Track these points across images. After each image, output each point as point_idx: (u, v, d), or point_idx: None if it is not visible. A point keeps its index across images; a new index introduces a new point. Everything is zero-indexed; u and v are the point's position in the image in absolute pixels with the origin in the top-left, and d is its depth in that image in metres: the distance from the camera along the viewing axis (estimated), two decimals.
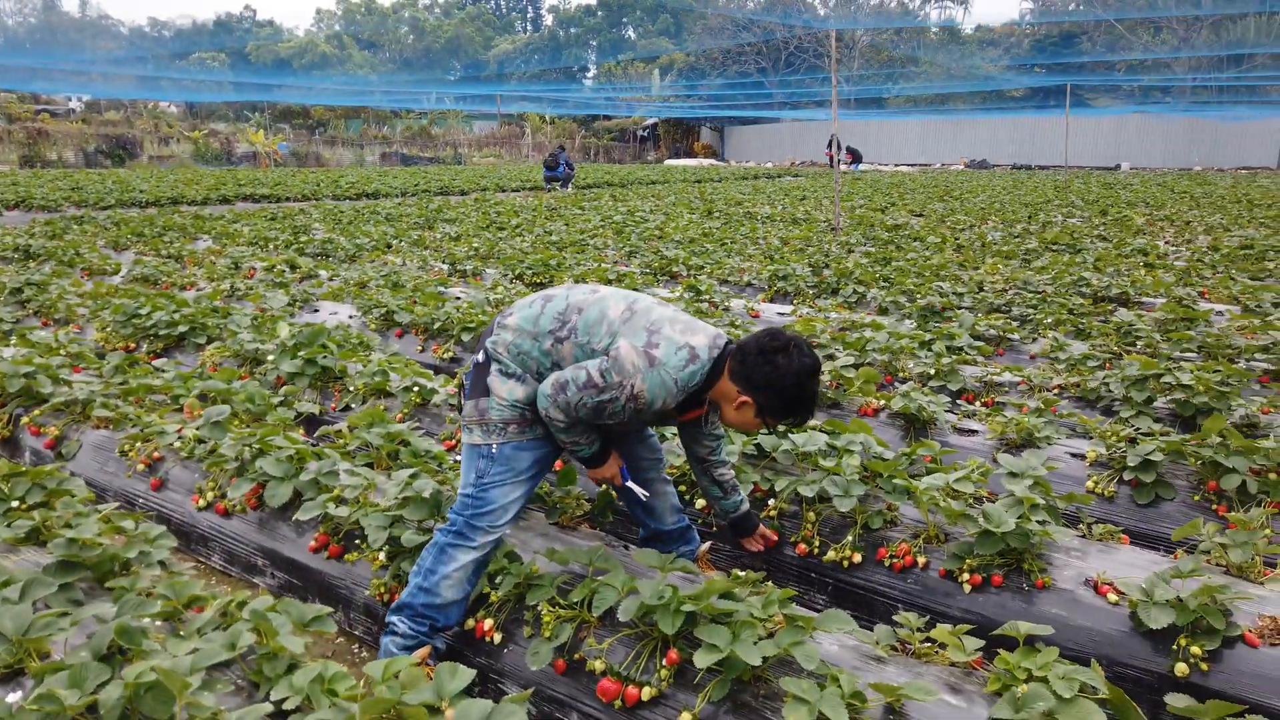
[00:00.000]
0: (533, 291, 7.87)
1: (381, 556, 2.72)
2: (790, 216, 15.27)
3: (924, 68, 49.07)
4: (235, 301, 7.16)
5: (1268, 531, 3.16)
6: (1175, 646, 2.43)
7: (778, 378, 2.42)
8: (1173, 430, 3.99)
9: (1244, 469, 3.31)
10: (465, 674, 1.92)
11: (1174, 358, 5.13)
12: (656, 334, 2.43)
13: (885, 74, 50.92)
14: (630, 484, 2.80)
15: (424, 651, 2.42)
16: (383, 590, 2.72)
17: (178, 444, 3.64)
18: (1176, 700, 1.91)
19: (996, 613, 2.72)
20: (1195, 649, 2.39)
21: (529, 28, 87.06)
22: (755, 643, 2.09)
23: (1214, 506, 3.33)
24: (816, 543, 3.12)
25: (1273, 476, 3.29)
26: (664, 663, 2.22)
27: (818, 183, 28.06)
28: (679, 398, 2.44)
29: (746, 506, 3.05)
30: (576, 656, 2.35)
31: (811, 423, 3.56)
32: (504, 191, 23.87)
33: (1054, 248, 10.55)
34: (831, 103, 12.09)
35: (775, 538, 3.12)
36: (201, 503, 3.40)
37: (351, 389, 4.47)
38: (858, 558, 3.02)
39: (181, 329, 5.65)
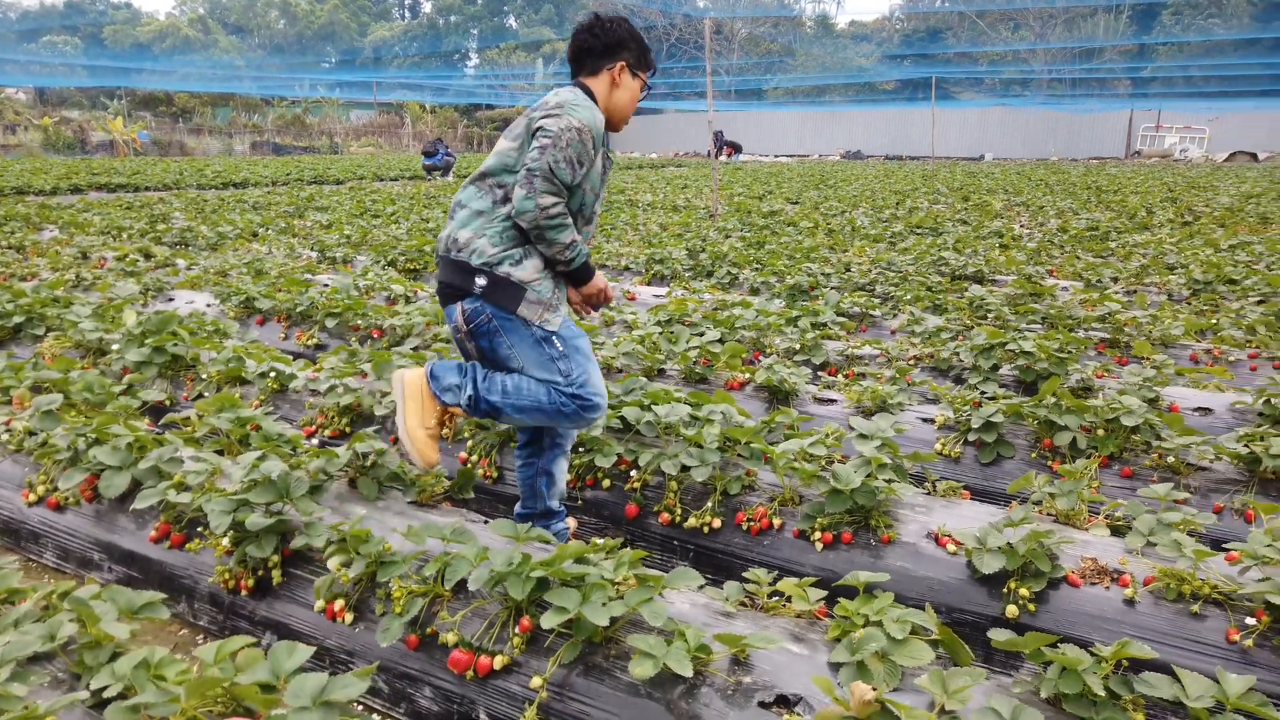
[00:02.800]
0: (407, 277, 7.70)
1: (225, 542, 2.61)
2: (671, 204, 15.42)
3: (800, 60, 50.31)
4: (81, 291, 6.74)
5: (1096, 483, 3.40)
6: (1006, 590, 2.58)
7: (625, 29, 2.85)
8: (1015, 395, 4.22)
9: (1075, 426, 3.53)
10: (302, 651, 1.87)
11: (1020, 329, 5.43)
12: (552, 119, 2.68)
13: (764, 65, 51.94)
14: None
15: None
16: (228, 577, 2.62)
17: (5, 437, 3.41)
18: (999, 635, 2.02)
19: (846, 567, 2.82)
20: (1023, 591, 2.54)
21: (406, 14, 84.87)
22: (605, 604, 2.10)
23: (1049, 462, 3.54)
24: (678, 511, 3.17)
25: (1100, 432, 3.52)
26: (517, 630, 2.21)
27: (700, 172, 28.42)
28: (603, 124, 2.75)
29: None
30: (429, 631, 2.31)
31: (676, 395, 3.62)
32: (381, 180, 23.27)
33: (918, 231, 10.99)
34: (715, 93, 12.24)
35: (611, 295, 3.08)
36: (32, 497, 3.19)
37: (205, 377, 4.28)
38: (717, 523, 3.08)
39: (17, 320, 5.28)
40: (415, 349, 4.83)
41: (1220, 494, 3.25)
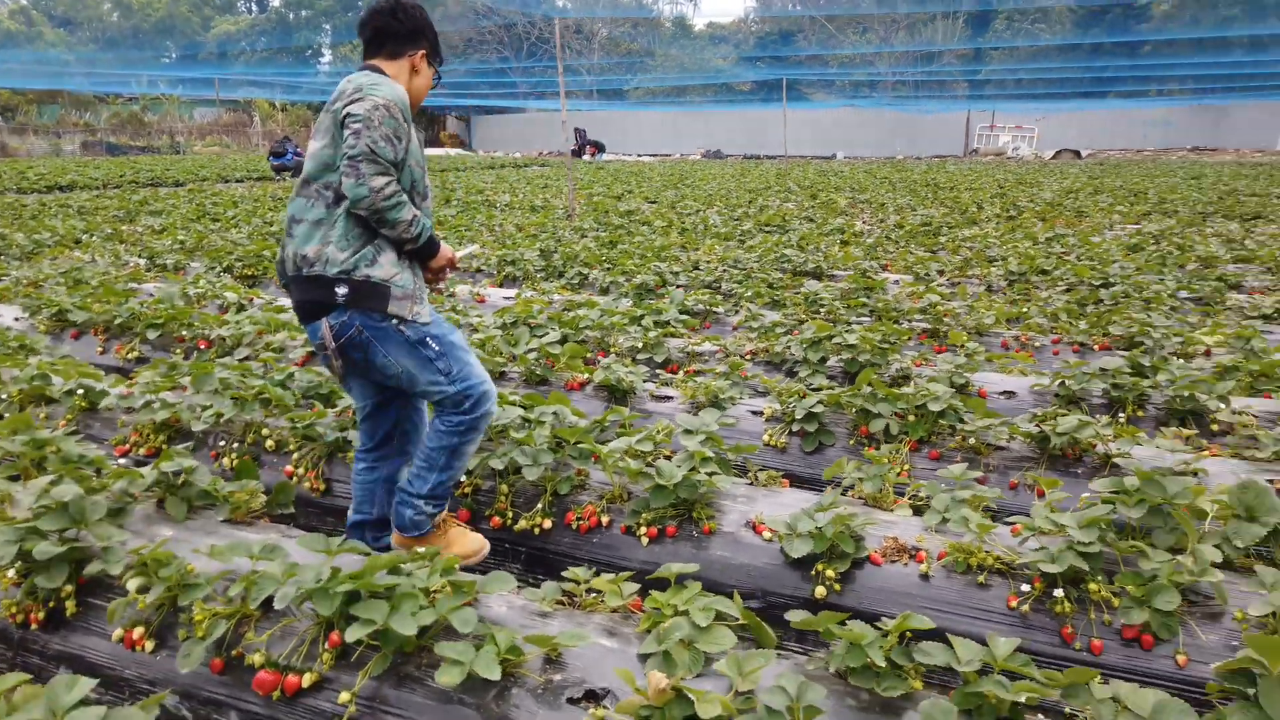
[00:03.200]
0: (243, 284, 7.38)
1: (11, 574, 2.45)
2: (529, 204, 15.36)
3: (660, 60, 50.98)
4: None
5: (907, 466, 3.60)
6: (814, 572, 2.71)
7: (422, 18, 2.83)
8: (841, 385, 4.42)
9: (888, 413, 3.74)
10: (84, 684, 1.78)
11: (849, 322, 5.69)
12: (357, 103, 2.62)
13: (625, 65, 52.37)
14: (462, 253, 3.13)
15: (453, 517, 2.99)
16: (15, 610, 2.46)
17: None
18: (795, 616, 2.13)
19: (670, 560, 2.89)
20: (830, 572, 2.67)
21: (254, 8, 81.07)
22: (414, 614, 2.09)
23: (865, 448, 3.73)
24: (510, 514, 3.18)
25: (911, 418, 3.74)
26: (327, 646, 2.17)
27: (562, 172, 28.38)
28: (407, 99, 2.71)
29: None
30: (235, 653, 2.24)
31: (511, 397, 3.62)
32: (226, 182, 22.19)
33: (766, 229, 11.34)
34: (575, 93, 12.26)
35: (456, 259, 3.04)
36: None
37: (4, 397, 3.99)
38: (548, 524, 3.10)
39: None
40: (244, 359, 4.65)
41: (1017, 471, 3.50)
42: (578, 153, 39.82)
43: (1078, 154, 38.60)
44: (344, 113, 2.61)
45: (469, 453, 2.83)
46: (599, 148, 40.88)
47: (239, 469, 3.12)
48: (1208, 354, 4.95)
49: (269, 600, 2.25)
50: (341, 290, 2.64)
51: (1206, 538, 2.60)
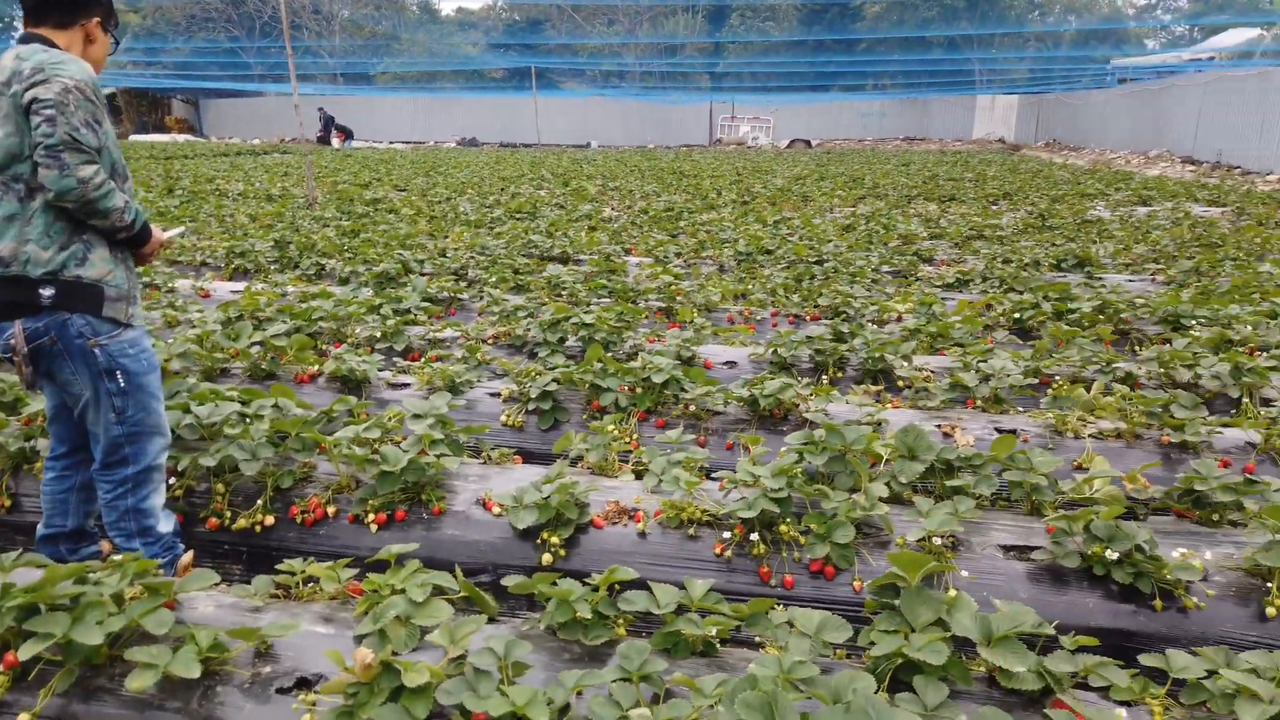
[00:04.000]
0: None
1: None
2: (266, 193, 14.47)
3: (406, 45, 49.49)
4: None
5: (635, 436, 3.80)
6: (540, 540, 2.81)
7: None
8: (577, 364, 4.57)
9: (615, 387, 3.92)
10: None
11: (589, 303, 5.88)
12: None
13: (370, 48, 50.33)
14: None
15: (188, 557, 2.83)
16: None
17: None
18: (510, 581, 2.21)
19: (400, 544, 2.89)
20: (555, 539, 2.79)
21: None
22: (100, 622, 1.97)
23: (596, 422, 3.89)
24: (228, 514, 3.04)
25: (639, 390, 3.95)
26: (2, 668, 1.99)
27: (305, 159, 26.91)
28: (95, 75, 2.53)
29: None
30: None
31: (228, 393, 3.45)
32: None
33: (517, 216, 11.40)
34: (317, 76, 11.62)
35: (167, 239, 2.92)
36: None
37: None
38: (270, 520, 3.00)
39: None
40: None
41: (734, 433, 3.79)
42: (324, 138, 37.78)
43: (808, 143, 41.64)
44: (27, 97, 2.38)
45: (154, 498, 2.76)
46: (347, 134, 39.03)
47: None
48: (899, 319, 5.58)
49: None
50: (47, 292, 2.44)
51: (879, 477, 2.96)
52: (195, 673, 1.89)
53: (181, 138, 44.60)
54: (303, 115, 12.55)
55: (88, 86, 2.46)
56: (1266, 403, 4.04)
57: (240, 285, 6.80)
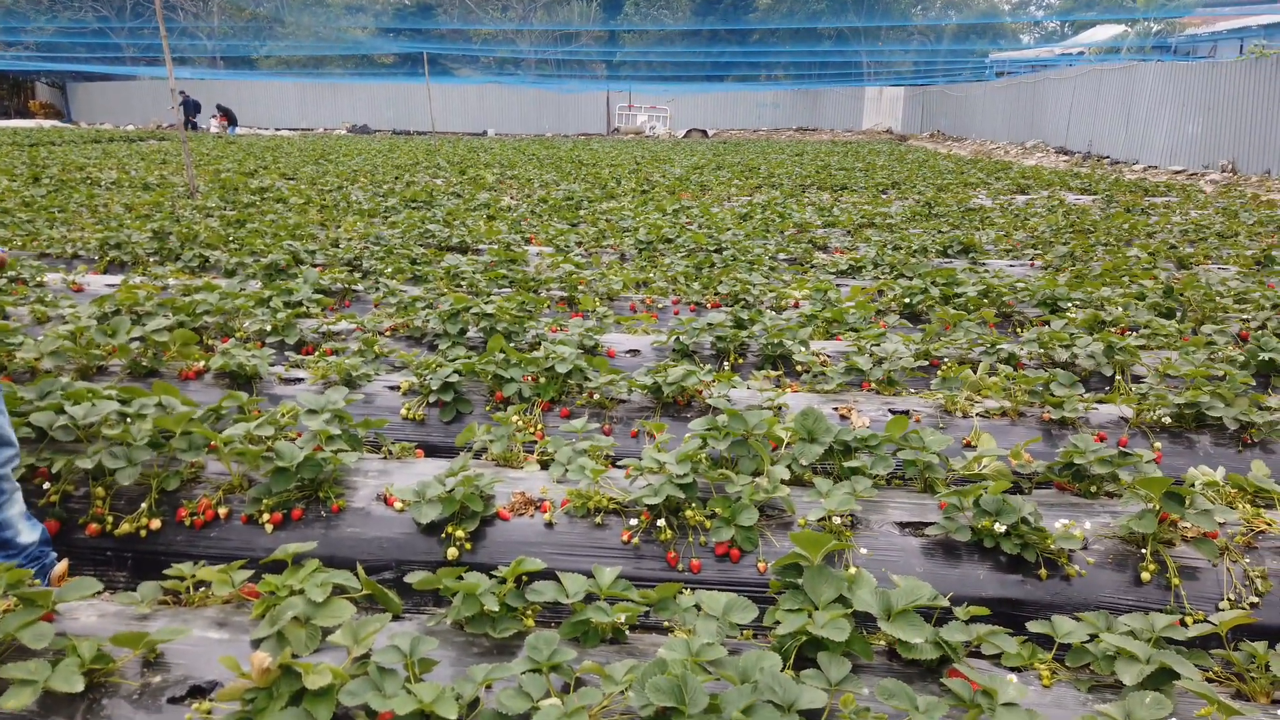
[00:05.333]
0: None
1: None
2: (142, 182, 13.75)
3: (291, 28, 47.70)
4: None
5: (540, 426, 3.77)
6: (444, 535, 2.77)
7: None
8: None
9: (519, 378, 3.88)
10: None
11: (490, 293, 5.80)
12: None
13: (253, 30, 48.33)
14: None
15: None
16: None
17: None
18: (415, 577, 2.17)
19: (299, 543, 2.80)
20: (460, 533, 2.74)
21: None
22: None
23: (499, 413, 3.85)
24: (110, 519, 2.88)
25: (542, 380, 3.92)
26: None
27: (183, 146, 25.67)
28: None
29: None
30: None
31: (107, 392, 3.26)
32: None
33: (413, 205, 11.15)
34: (195, 60, 11.06)
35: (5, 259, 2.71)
36: None
37: None
38: (156, 524, 2.86)
39: None
40: None
41: (638, 420, 3.81)
42: (191, 124, 35.83)
43: (705, 133, 42.10)
44: None
45: (8, 509, 2.58)
46: (230, 119, 37.34)
47: None
48: (796, 306, 5.70)
49: None
50: None
51: (780, 460, 3.02)
52: (78, 686, 1.79)
53: (47, 123, 41.95)
54: (179, 100, 11.95)
55: None
56: (1137, 379, 4.30)
57: (116, 279, 6.44)
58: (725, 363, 4.55)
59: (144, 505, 2.87)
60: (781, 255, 7.71)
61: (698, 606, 2.11)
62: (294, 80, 47.35)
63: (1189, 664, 1.93)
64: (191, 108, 35.42)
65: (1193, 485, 2.74)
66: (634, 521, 2.74)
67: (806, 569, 2.12)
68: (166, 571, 2.30)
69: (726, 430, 3.01)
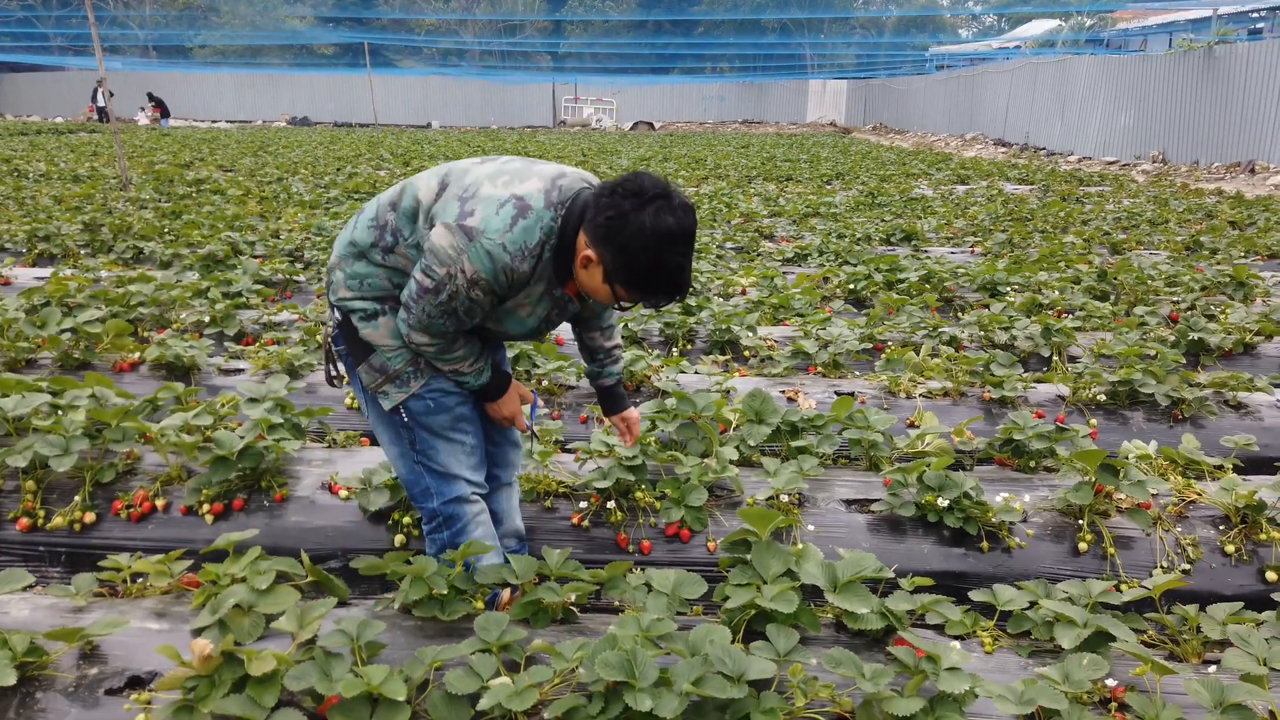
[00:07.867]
0: None
1: None
2: (72, 174, 13.32)
3: (226, 17, 46.52)
4: None
5: None
6: (392, 522, 2.73)
7: (626, 233, 1.92)
8: None
9: None
10: None
11: None
12: (472, 199, 1.99)
13: (187, 19, 47.01)
14: (534, 427, 2.59)
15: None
16: None
17: None
18: (361, 563, 2.14)
19: (240, 533, 2.74)
20: (407, 520, 2.71)
21: None
22: None
23: None
24: (42, 513, 2.79)
25: None
26: None
27: (115, 138, 24.90)
28: (530, 263, 1.99)
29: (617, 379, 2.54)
30: None
31: (39, 383, 3.15)
32: None
33: (355, 196, 10.97)
34: (126, 49, 10.70)
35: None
36: None
37: None
38: (91, 517, 2.78)
39: None
40: None
41: (587, 405, 3.80)
42: (103, 115, 34.53)
43: (652, 125, 42.10)
44: (429, 238, 2.00)
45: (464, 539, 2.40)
46: (163, 110, 36.26)
47: None
48: (744, 293, 5.74)
49: None
50: (334, 316, 2.26)
51: (729, 441, 3.04)
52: (10, 680, 1.73)
53: None
54: (108, 90, 11.57)
55: (486, 284, 1.99)
56: (1074, 359, 4.41)
57: (46, 271, 6.24)
58: (674, 348, 4.56)
59: (77, 499, 2.79)
60: (729, 244, 7.74)
61: (648, 585, 2.11)
62: (230, 71, 46.20)
63: (1125, 627, 1.98)
64: (98, 95, 34.21)
65: (1127, 459, 2.83)
66: (584, 504, 2.73)
67: (755, 544, 2.14)
68: (102, 563, 2.24)
69: (675, 413, 3.02)
